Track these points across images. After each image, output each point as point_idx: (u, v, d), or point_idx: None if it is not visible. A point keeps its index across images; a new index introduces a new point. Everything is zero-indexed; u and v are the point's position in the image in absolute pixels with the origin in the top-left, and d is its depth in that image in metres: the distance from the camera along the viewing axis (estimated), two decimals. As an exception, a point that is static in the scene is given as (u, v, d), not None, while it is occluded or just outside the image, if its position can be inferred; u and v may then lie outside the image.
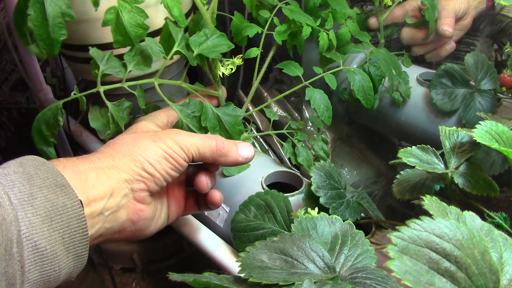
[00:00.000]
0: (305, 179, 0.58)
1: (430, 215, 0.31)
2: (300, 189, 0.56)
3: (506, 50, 0.71)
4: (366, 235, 0.44)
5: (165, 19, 0.48)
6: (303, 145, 0.62)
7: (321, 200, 0.47)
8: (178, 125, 0.49)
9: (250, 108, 0.83)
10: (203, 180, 0.48)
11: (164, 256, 0.93)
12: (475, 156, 0.50)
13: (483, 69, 0.67)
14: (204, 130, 0.49)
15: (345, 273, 0.34)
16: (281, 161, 0.80)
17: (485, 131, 0.44)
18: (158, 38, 0.50)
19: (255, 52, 0.58)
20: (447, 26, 0.74)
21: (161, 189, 0.44)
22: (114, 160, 0.41)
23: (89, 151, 0.51)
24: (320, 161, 0.53)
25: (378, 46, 0.77)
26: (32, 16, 0.41)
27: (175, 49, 0.48)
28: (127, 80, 0.48)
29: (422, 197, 0.38)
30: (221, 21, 0.81)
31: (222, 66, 0.52)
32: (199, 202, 0.51)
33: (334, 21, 0.64)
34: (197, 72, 0.92)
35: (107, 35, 0.53)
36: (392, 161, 0.54)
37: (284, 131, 0.63)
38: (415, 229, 0.28)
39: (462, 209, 0.36)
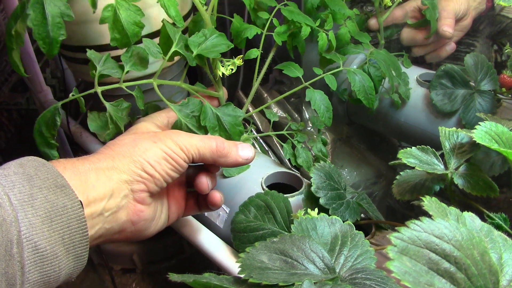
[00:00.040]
0: (305, 180, 0.58)
1: (429, 216, 0.31)
2: (300, 190, 0.56)
3: (506, 51, 0.71)
4: (366, 236, 0.44)
5: (162, 21, 0.48)
6: (303, 146, 0.62)
7: (321, 201, 0.47)
8: (177, 125, 0.49)
9: (250, 109, 0.83)
10: (204, 181, 0.48)
11: (164, 257, 0.93)
12: (475, 157, 0.50)
13: (483, 70, 0.67)
14: (203, 129, 0.49)
15: (345, 273, 0.34)
16: (281, 162, 0.80)
17: (485, 132, 0.44)
18: (158, 39, 0.50)
19: (255, 53, 0.58)
20: (447, 27, 0.75)
21: (161, 190, 0.44)
22: (114, 161, 0.41)
23: (89, 152, 0.51)
24: (320, 162, 0.53)
25: (378, 47, 0.77)
26: (32, 15, 0.41)
27: (173, 49, 0.48)
28: (127, 81, 0.48)
29: (422, 198, 0.38)
30: (221, 23, 0.81)
31: (223, 66, 0.52)
32: (199, 203, 0.51)
33: (333, 21, 0.64)
34: (197, 73, 0.92)
35: (106, 36, 0.53)
36: (392, 162, 0.54)
37: (284, 132, 0.63)
38: (414, 230, 0.28)
39: (462, 210, 0.36)
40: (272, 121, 0.65)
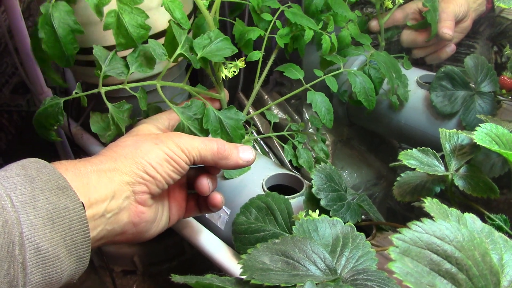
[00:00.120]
0: (305, 181, 0.58)
1: (430, 217, 0.31)
2: (301, 192, 0.56)
3: (506, 52, 0.71)
4: (366, 237, 0.44)
5: (169, 21, 0.48)
6: (304, 147, 0.62)
7: (322, 203, 0.47)
8: (179, 128, 0.49)
9: (251, 111, 0.83)
10: (204, 183, 0.48)
11: (165, 259, 0.93)
12: (475, 158, 0.50)
13: (483, 71, 0.67)
14: (205, 132, 0.49)
15: (346, 275, 0.34)
16: (281, 164, 0.80)
17: (485, 134, 0.44)
18: (160, 41, 0.50)
19: (257, 55, 0.58)
20: (447, 28, 0.75)
21: (162, 191, 0.44)
22: (116, 162, 0.41)
23: (90, 154, 0.51)
24: (320, 163, 0.53)
25: (379, 49, 0.77)
26: (44, 38, 0.43)
27: (178, 51, 0.48)
28: (129, 82, 0.48)
29: (422, 199, 0.38)
30: (222, 25, 0.81)
31: (225, 68, 0.52)
32: (200, 205, 0.51)
33: (335, 24, 0.65)
34: (198, 75, 0.92)
35: (108, 37, 0.53)
36: (393, 164, 0.54)
37: (284, 133, 0.63)
38: (416, 231, 0.29)
39: (463, 211, 0.36)
40: (272, 122, 0.65)
